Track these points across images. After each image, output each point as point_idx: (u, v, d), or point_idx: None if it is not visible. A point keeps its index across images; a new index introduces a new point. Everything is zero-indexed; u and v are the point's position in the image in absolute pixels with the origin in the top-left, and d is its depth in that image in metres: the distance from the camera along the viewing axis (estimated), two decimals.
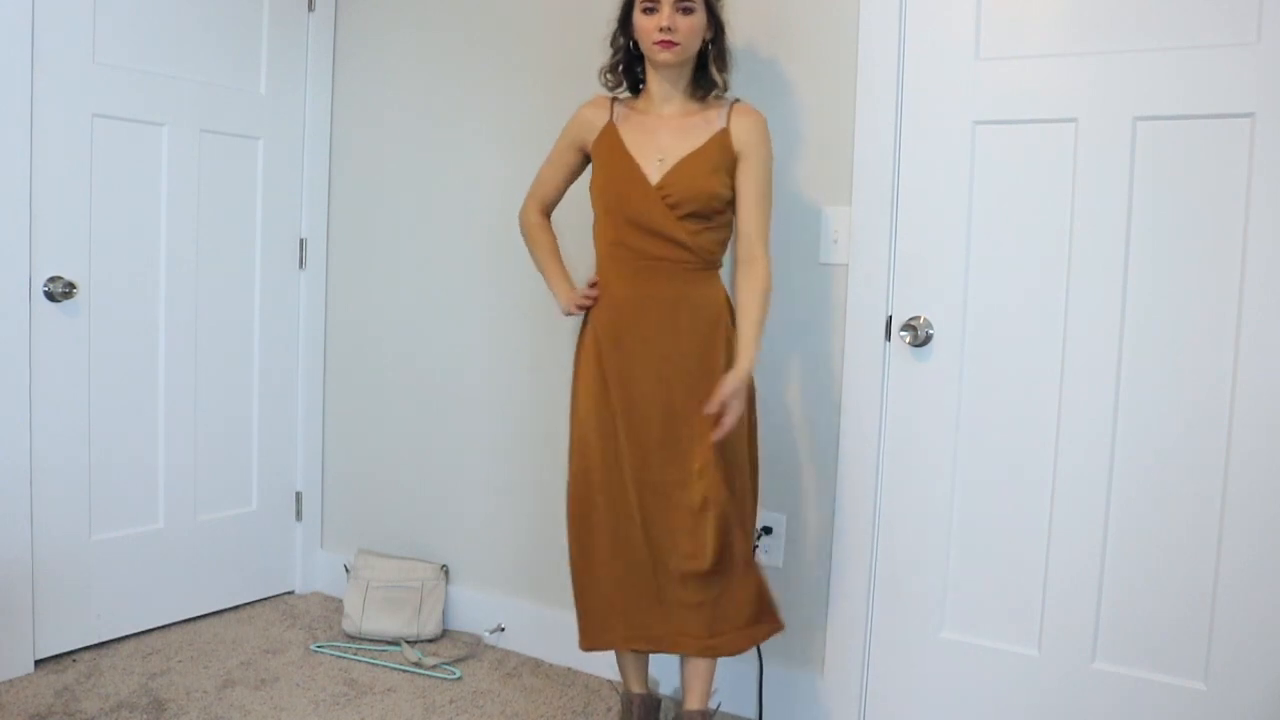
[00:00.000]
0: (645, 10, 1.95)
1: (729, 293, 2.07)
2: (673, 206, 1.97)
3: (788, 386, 2.36)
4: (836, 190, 2.28)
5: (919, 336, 2.18)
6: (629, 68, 2.10)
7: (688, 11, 1.93)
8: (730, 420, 1.91)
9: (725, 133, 1.99)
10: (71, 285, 2.51)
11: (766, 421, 2.37)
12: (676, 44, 1.93)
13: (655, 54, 1.96)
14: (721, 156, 1.98)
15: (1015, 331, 2.11)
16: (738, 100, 2.06)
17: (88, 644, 2.63)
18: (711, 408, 1.91)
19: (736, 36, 2.32)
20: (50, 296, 2.48)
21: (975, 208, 2.14)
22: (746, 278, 1.99)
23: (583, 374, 2.07)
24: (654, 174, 1.99)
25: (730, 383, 1.91)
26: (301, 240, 3.09)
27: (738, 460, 2.02)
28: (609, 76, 2.11)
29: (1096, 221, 2.02)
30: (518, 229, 2.60)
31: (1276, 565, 1.89)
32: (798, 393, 2.34)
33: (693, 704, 2.09)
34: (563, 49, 2.66)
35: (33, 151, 2.41)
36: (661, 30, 1.92)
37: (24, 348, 2.42)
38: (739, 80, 2.27)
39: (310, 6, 3.04)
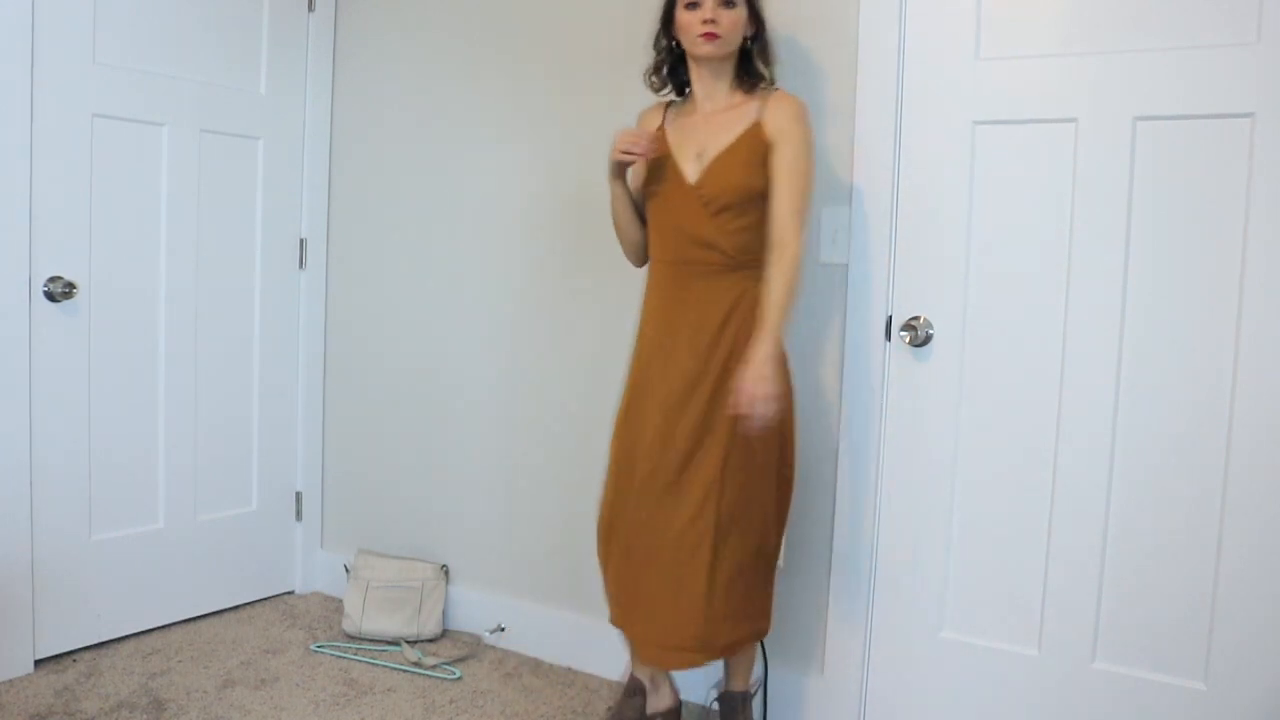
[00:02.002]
0: (688, 6, 1.96)
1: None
2: (706, 204, 1.96)
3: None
4: (836, 190, 2.28)
5: (919, 336, 2.18)
6: (674, 70, 2.10)
7: (729, 5, 1.94)
8: (759, 414, 1.85)
9: (759, 124, 1.97)
10: (71, 285, 2.50)
11: None
12: (718, 35, 1.94)
13: (698, 46, 1.97)
14: (754, 148, 1.96)
15: (1015, 331, 2.11)
16: (777, 89, 2.05)
17: (88, 644, 2.63)
18: (733, 407, 1.88)
19: None
20: (50, 296, 2.48)
21: (975, 208, 2.14)
22: (772, 262, 1.93)
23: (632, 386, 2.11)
24: (692, 173, 2.00)
25: (745, 375, 1.87)
26: (301, 240, 3.09)
27: (754, 467, 1.98)
28: (653, 79, 2.12)
29: (1096, 221, 2.02)
30: (517, 227, 2.60)
31: (1276, 565, 1.89)
32: (798, 393, 2.34)
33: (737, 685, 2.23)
34: (564, 48, 2.66)
35: (33, 151, 2.41)
36: (704, 23, 1.93)
37: (24, 348, 2.42)
38: None
39: (310, 6, 3.04)
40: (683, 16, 1.98)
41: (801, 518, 2.36)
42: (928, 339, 2.19)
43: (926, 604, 2.22)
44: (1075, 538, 2.06)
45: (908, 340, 2.19)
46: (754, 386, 1.85)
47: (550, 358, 2.71)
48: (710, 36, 1.94)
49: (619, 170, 2.06)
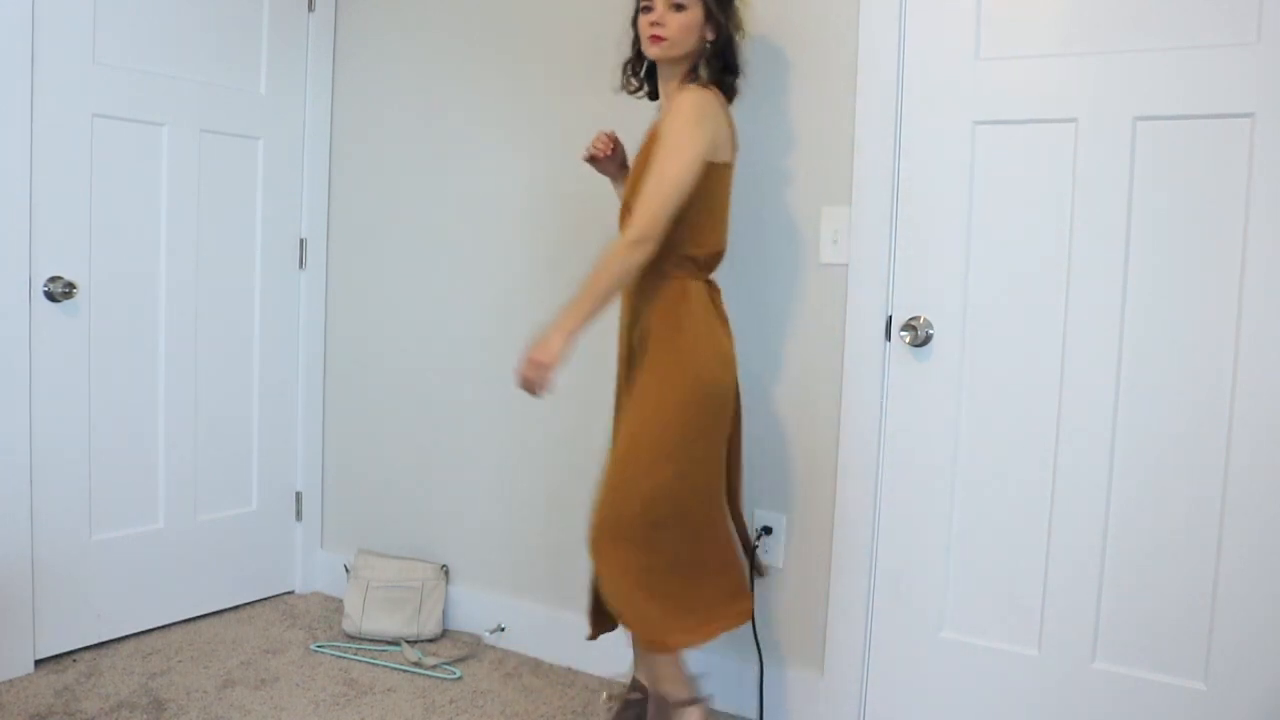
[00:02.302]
0: (643, 9, 1.99)
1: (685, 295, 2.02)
2: (625, 205, 2.04)
3: (788, 386, 2.36)
4: (836, 190, 2.28)
5: (919, 336, 2.18)
6: (650, 73, 2.12)
7: (678, 8, 1.95)
8: (525, 376, 1.88)
9: (657, 123, 2.00)
10: (71, 285, 2.50)
11: (766, 422, 2.37)
12: (665, 39, 1.95)
13: (646, 48, 2.00)
14: (647, 149, 1.99)
15: (1015, 331, 2.11)
16: (689, 86, 1.98)
17: (88, 644, 2.63)
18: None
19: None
20: (50, 296, 2.48)
21: (975, 208, 2.14)
22: None
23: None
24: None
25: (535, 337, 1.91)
26: (301, 240, 3.09)
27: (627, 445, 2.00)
28: (631, 80, 2.14)
29: (1096, 221, 2.02)
30: (516, 227, 2.59)
31: (1276, 565, 1.89)
32: (798, 393, 2.34)
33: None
34: (563, 48, 2.66)
35: (33, 151, 2.41)
36: (652, 25, 1.96)
37: (24, 348, 2.42)
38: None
39: (310, 6, 3.04)
40: (640, 20, 2.01)
41: (802, 517, 2.36)
42: (928, 339, 2.19)
43: (926, 604, 2.22)
44: (1075, 538, 2.07)
45: (908, 340, 2.19)
46: (527, 351, 1.88)
47: None
48: (657, 39, 1.96)
49: (599, 170, 2.19)
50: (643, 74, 2.13)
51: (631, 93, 2.15)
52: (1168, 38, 1.94)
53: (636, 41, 2.08)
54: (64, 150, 2.48)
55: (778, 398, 2.36)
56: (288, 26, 2.99)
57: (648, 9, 1.97)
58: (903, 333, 2.20)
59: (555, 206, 2.68)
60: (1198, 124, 1.92)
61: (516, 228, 2.76)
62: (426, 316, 2.95)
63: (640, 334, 2.03)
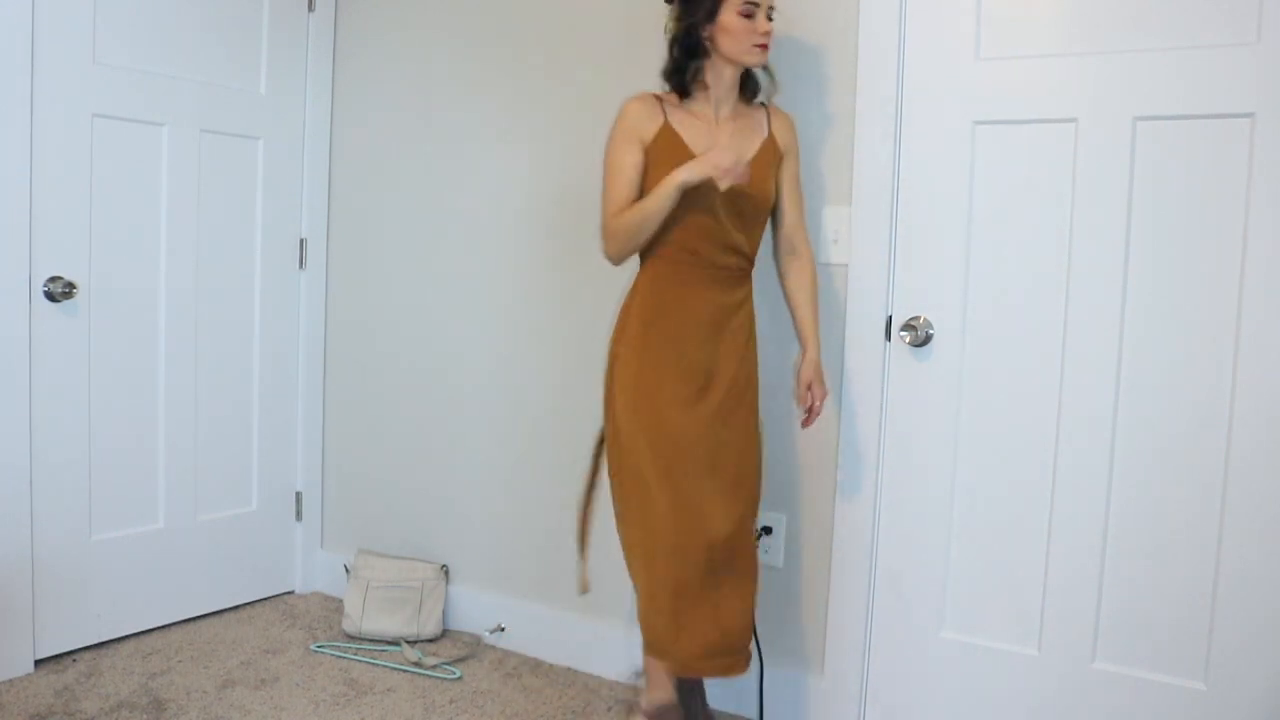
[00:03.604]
0: (744, 14, 1.96)
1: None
2: (739, 213, 2.02)
3: (788, 386, 2.36)
4: (836, 190, 2.28)
5: (919, 336, 2.18)
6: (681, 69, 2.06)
7: (771, 18, 2.00)
8: (820, 404, 2.09)
9: (772, 135, 2.10)
10: (71, 285, 2.50)
11: (767, 422, 2.37)
12: (768, 47, 2.00)
13: (750, 55, 1.99)
14: (773, 158, 2.09)
15: (1015, 331, 2.11)
16: (768, 102, 2.15)
17: (88, 644, 2.63)
18: (804, 399, 2.10)
19: None
20: (50, 296, 2.48)
21: (975, 208, 2.14)
22: (799, 271, 2.15)
23: (653, 381, 2.03)
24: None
25: (811, 369, 2.10)
26: (301, 240, 3.09)
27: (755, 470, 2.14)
28: (686, 80, 2.04)
29: (1096, 221, 2.02)
30: (517, 226, 2.59)
31: (1276, 565, 1.89)
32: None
33: None
34: (563, 48, 2.66)
35: (33, 151, 2.41)
36: (764, 34, 1.98)
37: (24, 348, 2.42)
38: None
39: (310, 6, 3.04)
40: (735, 22, 1.96)
41: (802, 517, 2.36)
42: (928, 339, 2.19)
43: (926, 604, 2.22)
44: (1075, 538, 2.07)
45: (908, 340, 2.19)
46: (818, 382, 2.13)
47: (551, 357, 2.71)
48: (764, 47, 1.99)
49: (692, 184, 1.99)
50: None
51: (686, 94, 2.05)
52: (1168, 38, 1.94)
53: (702, 38, 1.99)
54: (64, 150, 2.48)
55: (778, 398, 2.36)
56: (288, 26, 2.99)
57: (750, 15, 1.96)
58: (903, 333, 2.20)
59: (555, 206, 2.68)
60: (1198, 124, 1.92)
61: (516, 227, 2.76)
62: (427, 316, 2.95)
63: (746, 340, 2.11)
